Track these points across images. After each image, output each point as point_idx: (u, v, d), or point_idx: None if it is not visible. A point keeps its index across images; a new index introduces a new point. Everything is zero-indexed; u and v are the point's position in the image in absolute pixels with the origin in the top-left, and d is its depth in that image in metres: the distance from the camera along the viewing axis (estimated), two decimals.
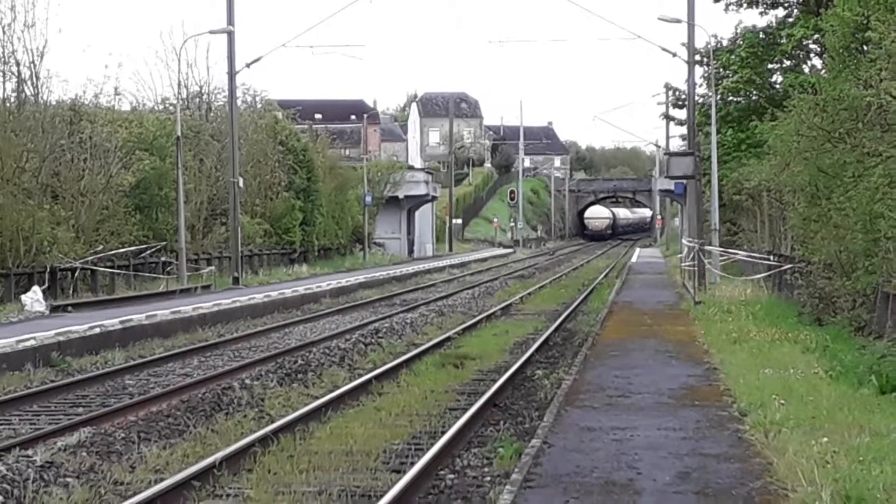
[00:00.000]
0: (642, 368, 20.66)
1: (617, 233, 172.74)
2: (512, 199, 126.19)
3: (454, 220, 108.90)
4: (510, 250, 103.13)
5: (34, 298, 32.51)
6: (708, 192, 46.36)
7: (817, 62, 47.83)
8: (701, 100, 49.69)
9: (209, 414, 17.97)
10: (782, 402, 15.20)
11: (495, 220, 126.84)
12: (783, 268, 33.15)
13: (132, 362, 24.46)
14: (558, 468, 12.39)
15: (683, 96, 52.54)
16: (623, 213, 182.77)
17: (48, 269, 37.49)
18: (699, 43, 46.45)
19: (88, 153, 43.84)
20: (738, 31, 51.52)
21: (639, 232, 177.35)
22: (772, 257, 35.89)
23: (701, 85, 50.39)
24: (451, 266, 69.80)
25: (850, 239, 22.43)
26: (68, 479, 13.64)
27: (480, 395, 18.83)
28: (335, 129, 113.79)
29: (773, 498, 11.07)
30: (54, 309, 32.50)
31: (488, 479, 13.58)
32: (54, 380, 22.13)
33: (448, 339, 28.51)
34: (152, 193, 47.86)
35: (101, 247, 41.60)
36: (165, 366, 24.30)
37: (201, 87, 64.09)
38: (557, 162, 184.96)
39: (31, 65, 41.58)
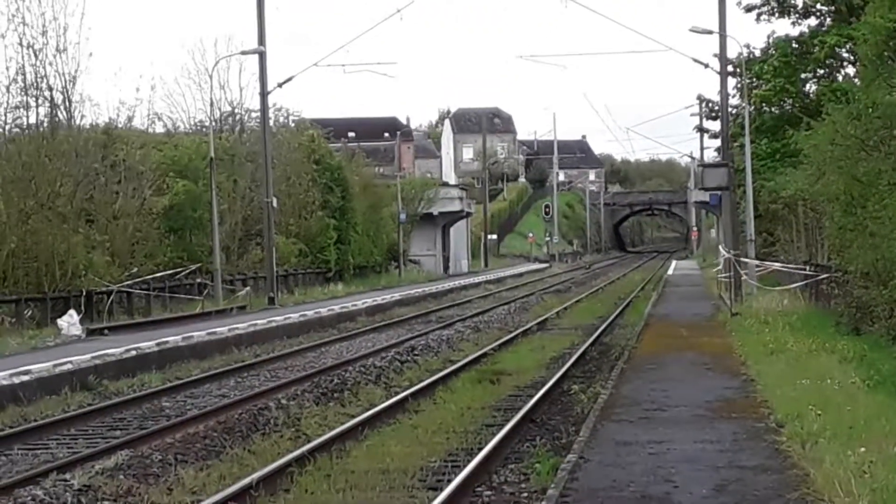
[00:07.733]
0: (678, 381, 20.57)
1: None
2: (547, 213, 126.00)
3: (489, 236, 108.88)
4: (546, 265, 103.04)
5: (70, 322, 32.63)
6: (743, 202, 46.19)
7: (851, 71, 47.68)
8: (734, 111, 49.49)
9: (246, 435, 17.96)
10: (819, 412, 15.09)
11: (531, 234, 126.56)
12: (819, 277, 32.98)
13: (169, 384, 24.50)
14: (595, 483, 12.34)
15: (716, 108, 52.47)
16: None
17: (84, 293, 37.66)
18: (731, 53, 46.31)
19: (122, 176, 44.07)
20: (771, 40, 51.40)
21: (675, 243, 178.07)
22: (808, 267, 35.69)
23: (734, 96, 50.23)
24: (487, 282, 69.82)
25: (886, 247, 22.26)
26: (105, 503, 13.68)
27: (517, 411, 18.80)
28: (368, 146, 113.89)
29: None
30: (90, 332, 32.59)
31: (525, 494, 13.57)
32: (91, 403, 22.17)
33: (484, 355, 28.49)
34: (186, 215, 48.03)
35: (135, 269, 41.76)
36: (202, 387, 24.33)
37: (234, 108, 64.28)
38: (592, 175, 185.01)
39: (64, 90, 41.67)
